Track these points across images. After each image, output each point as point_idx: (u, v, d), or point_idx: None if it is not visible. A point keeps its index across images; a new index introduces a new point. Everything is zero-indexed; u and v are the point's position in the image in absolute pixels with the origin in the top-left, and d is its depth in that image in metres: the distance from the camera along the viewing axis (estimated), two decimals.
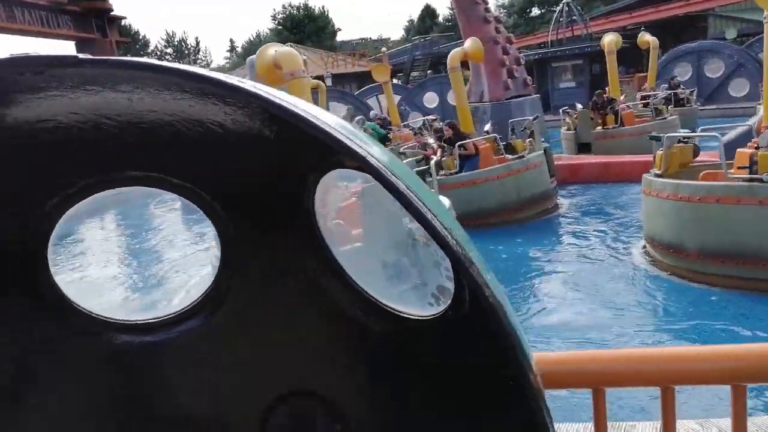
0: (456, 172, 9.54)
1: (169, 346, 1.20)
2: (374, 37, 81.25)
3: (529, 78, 13.04)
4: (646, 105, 14.73)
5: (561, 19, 29.06)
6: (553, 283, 7.10)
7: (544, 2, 44.53)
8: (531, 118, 10.42)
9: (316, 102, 23.19)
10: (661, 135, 7.27)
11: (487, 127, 11.85)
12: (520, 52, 29.84)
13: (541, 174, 9.76)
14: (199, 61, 60.48)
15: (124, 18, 20.94)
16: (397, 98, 24.09)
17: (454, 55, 10.74)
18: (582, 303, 6.38)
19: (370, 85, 25.93)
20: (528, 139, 10.13)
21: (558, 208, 10.38)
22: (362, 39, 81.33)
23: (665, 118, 13.25)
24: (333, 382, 1.23)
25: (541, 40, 32.23)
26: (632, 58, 27.38)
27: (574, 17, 28.69)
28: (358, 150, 0.78)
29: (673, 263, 6.74)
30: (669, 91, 15.62)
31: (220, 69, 60.55)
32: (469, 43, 10.72)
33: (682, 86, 16.96)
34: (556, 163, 11.41)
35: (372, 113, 19.11)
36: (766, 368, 1.26)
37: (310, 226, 1.19)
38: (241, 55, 52.65)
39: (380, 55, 36.00)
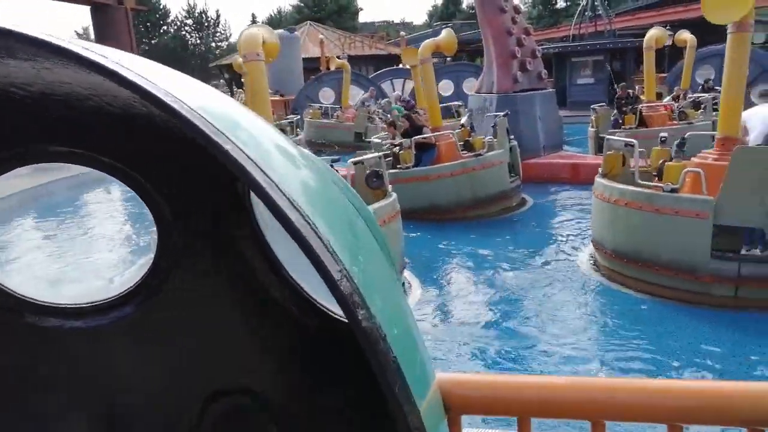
0: (413, 166, 9.39)
1: (101, 333, 1.16)
2: (397, 21, 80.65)
3: (544, 72, 12.75)
4: (697, 107, 13.65)
5: (586, 13, 28.55)
6: (489, 284, 6.91)
7: None
8: (501, 114, 10.12)
9: (340, 83, 23.09)
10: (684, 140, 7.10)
11: (464, 120, 11.70)
12: (540, 45, 29.60)
13: (498, 173, 9.48)
14: (218, 33, 60.35)
15: None
16: (411, 84, 23.91)
17: (425, 46, 10.55)
18: (513, 307, 6.25)
19: (386, 69, 25.70)
20: (487, 137, 9.83)
21: (521, 207, 10.20)
22: (384, 22, 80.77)
23: (691, 123, 12.48)
24: (267, 379, 1.20)
25: (564, 34, 31.74)
26: (657, 57, 26.86)
27: (599, 12, 28.17)
28: (222, 143, 0.69)
29: (607, 265, 6.82)
30: (702, 95, 14.68)
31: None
32: (443, 34, 10.52)
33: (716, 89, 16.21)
34: (558, 161, 11.26)
35: (395, 94, 18.85)
36: (708, 409, 1.18)
37: (248, 219, 1.15)
38: None
39: (398, 39, 35.62)
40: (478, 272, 7.31)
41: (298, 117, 19.20)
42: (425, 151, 9.60)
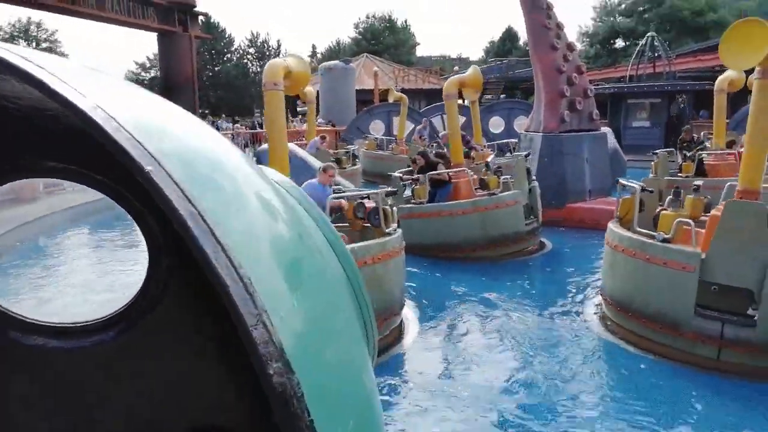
0: (428, 201, 9.36)
1: (83, 355, 1.14)
2: (453, 56, 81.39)
3: (596, 113, 12.49)
4: None
5: (644, 54, 28.04)
6: (489, 331, 6.64)
7: (630, 35, 43.17)
8: (523, 154, 9.92)
9: (390, 116, 23.40)
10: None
11: (490, 158, 11.46)
12: (596, 85, 29.20)
13: (512, 214, 9.20)
14: None
15: (206, 14, 21.81)
16: (462, 119, 23.93)
17: (450, 83, 10.51)
18: (506, 356, 6.01)
19: (436, 104, 25.83)
20: (503, 177, 9.63)
21: (539, 251, 9.89)
22: (441, 56, 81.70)
23: None
24: (245, 418, 1.15)
25: (622, 74, 31.23)
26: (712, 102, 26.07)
27: (659, 53, 27.62)
28: (144, 165, 0.66)
29: (607, 314, 6.58)
30: None
31: None
32: (469, 72, 10.44)
33: None
34: (601, 206, 10.80)
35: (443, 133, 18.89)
36: None
37: None
38: (320, 60, 53.96)
39: (452, 75, 35.94)
40: (480, 316, 7.09)
41: (356, 147, 19.42)
42: (440, 188, 9.59)
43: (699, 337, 5.46)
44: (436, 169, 9.72)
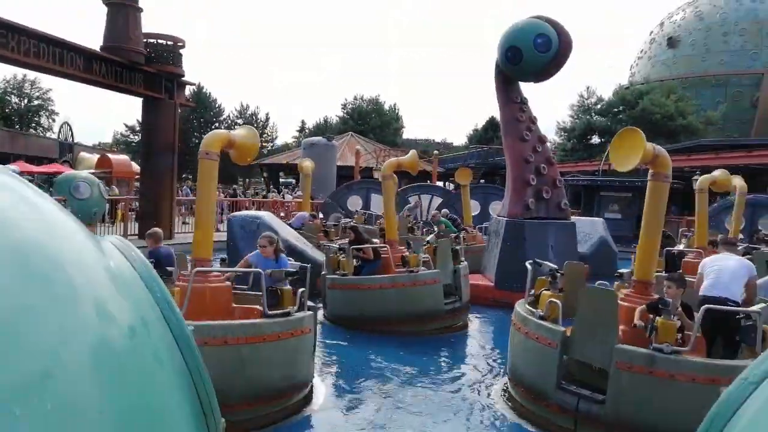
0: (353, 274, 9.69)
1: None
2: (438, 140, 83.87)
3: (565, 202, 12.78)
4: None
5: None
6: (393, 401, 6.75)
7: (605, 132, 45.08)
8: (452, 236, 10.66)
9: (368, 192, 23.79)
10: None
11: (429, 237, 11.86)
12: (572, 176, 30.14)
13: (431, 292, 9.38)
14: (265, 135, 63.59)
15: (194, 84, 22.34)
16: (437, 201, 24.33)
17: (388, 164, 11.06)
18: (408, 426, 6.06)
19: (415, 184, 26.33)
20: (423, 256, 10.00)
21: (462, 329, 10.16)
22: (426, 140, 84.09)
23: None
24: None
25: (597, 168, 32.32)
26: (683, 199, 27.05)
27: None
28: None
29: (509, 391, 6.90)
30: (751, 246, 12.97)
31: (285, 146, 63.51)
32: (408, 155, 10.98)
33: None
34: None
35: (444, 211, 19.23)
36: None
37: None
38: (307, 135, 55.17)
39: (431, 158, 36.88)
40: (388, 387, 7.23)
41: (349, 220, 19.18)
42: (368, 263, 10.00)
43: (560, 408, 5.85)
44: (362, 244, 10.08)
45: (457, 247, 10.83)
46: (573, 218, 14.25)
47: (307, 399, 6.55)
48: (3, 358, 0.62)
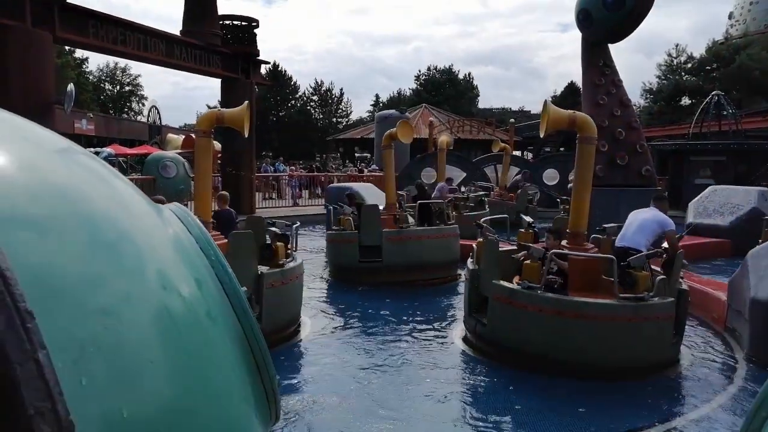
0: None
1: None
2: (515, 108, 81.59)
3: (647, 168, 12.16)
4: None
5: (710, 111, 27.21)
6: (368, 336, 7.90)
7: (696, 92, 42.09)
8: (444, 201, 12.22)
9: (450, 162, 23.57)
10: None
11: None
12: (660, 141, 28.40)
13: (424, 245, 10.65)
14: (340, 110, 64.31)
15: (268, 63, 22.88)
16: (514, 170, 23.76)
17: (386, 136, 11.57)
18: (378, 355, 7.10)
19: (490, 154, 25.82)
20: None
21: (455, 281, 10.91)
22: (502, 108, 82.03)
23: None
24: None
25: (686, 131, 30.32)
26: None
27: (724, 111, 26.73)
28: None
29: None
30: None
31: (360, 120, 64.04)
32: (398, 126, 11.38)
33: None
34: None
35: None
36: None
37: None
38: (381, 109, 55.28)
39: (508, 127, 35.99)
40: (366, 326, 8.37)
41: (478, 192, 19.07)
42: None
43: (469, 331, 7.44)
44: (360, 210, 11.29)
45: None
46: (721, 186, 13.67)
47: (298, 330, 7.96)
48: (72, 319, 0.69)
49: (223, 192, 9.31)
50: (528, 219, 9.20)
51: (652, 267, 6.89)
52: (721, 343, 7.59)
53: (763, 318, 6.74)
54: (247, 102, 8.02)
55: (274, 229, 8.22)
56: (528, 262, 6.74)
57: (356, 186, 14.23)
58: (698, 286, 8.84)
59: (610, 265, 6.33)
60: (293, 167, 29.95)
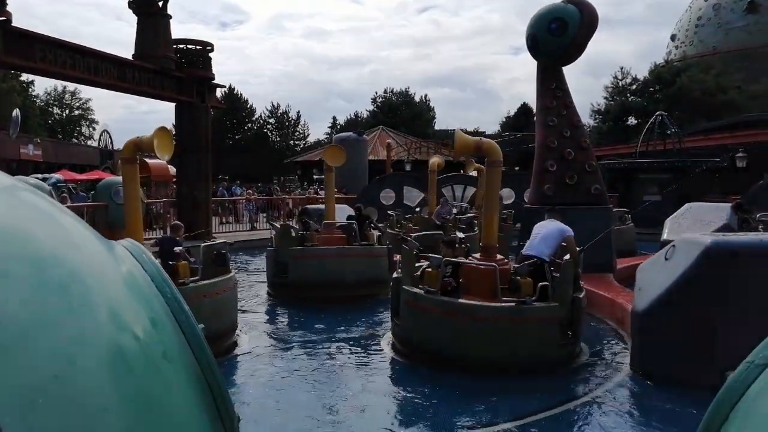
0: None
1: None
2: (470, 129, 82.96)
3: (596, 187, 12.54)
4: None
5: (656, 131, 28.39)
6: (307, 347, 8.48)
7: (641, 113, 43.90)
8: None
9: (401, 185, 23.79)
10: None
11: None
12: (610, 161, 29.40)
13: (374, 263, 11.38)
14: (297, 133, 64.18)
15: (223, 87, 22.72)
16: (471, 190, 24.18)
17: (324, 156, 12.95)
18: (314, 368, 7.55)
19: (448, 174, 26.19)
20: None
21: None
22: (459, 129, 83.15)
23: None
24: None
25: (633, 150, 31.51)
26: (728, 179, 26.19)
27: (668, 131, 27.96)
28: None
29: None
30: None
31: (317, 143, 64.00)
32: (326, 150, 12.53)
33: None
34: None
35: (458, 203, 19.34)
36: None
37: None
38: (338, 131, 55.41)
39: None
40: (304, 338, 8.92)
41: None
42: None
43: (393, 333, 8.29)
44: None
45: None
46: (696, 203, 14.02)
47: (235, 343, 8.41)
48: (22, 364, 0.67)
49: (178, 222, 9.49)
50: (460, 235, 10.18)
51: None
52: (622, 349, 8.19)
53: (639, 330, 7.10)
54: (161, 126, 8.33)
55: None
56: (429, 269, 7.60)
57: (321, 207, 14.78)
58: (608, 295, 10.11)
59: (493, 273, 7.31)
60: (250, 191, 29.61)
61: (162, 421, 0.84)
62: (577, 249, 7.90)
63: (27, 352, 0.67)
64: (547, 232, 7.83)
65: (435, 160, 19.14)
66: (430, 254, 8.25)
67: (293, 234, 11.63)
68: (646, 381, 6.84)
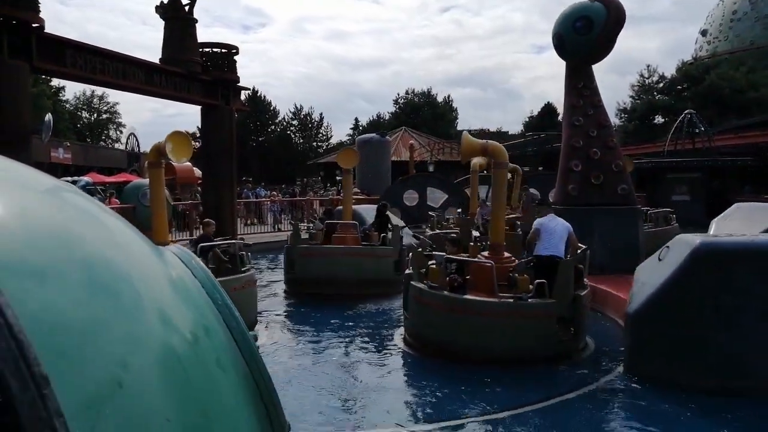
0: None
1: None
2: (493, 129, 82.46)
3: (623, 187, 12.31)
4: None
5: (684, 129, 27.83)
6: (325, 338, 8.94)
7: (669, 111, 43.09)
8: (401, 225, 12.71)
9: (425, 185, 23.69)
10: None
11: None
12: (637, 160, 28.85)
13: (380, 264, 11.74)
14: (320, 135, 64.48)
15: (248, 89, 22.87)
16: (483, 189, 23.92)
17: (338, 159, 13.31)
18: (328, 361, 7.89)
19: (468, 176, 26.00)
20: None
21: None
22: (481, 130, 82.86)
23: None
24: None
25: (661, 149, 30.92)
26: (756, 176, 25.55)
27: (697, 129, 27.38)
28: None
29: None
30: None
31: (340, 144, 64.20)
32: (340, 153, 12.65)
33: None
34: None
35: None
36: None
37: None
38: (361, 132, 55.51)
39: None
40: (321, 332, 9.31)
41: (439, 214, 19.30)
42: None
43: (405, 327, 8.71)
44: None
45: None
46: (745, 203, 13.71)
47: (256, 337, 9.02)
48: (77, 368, 0.66)
49: (209, 219, 10.18)
50: (475, 234, 10.63)
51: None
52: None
53: (631, 330, 7.05)
54: (175, 131, 8.68)
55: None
56: (433, 266, 8.00)
57: (359, 208, 15.18)
58: (622, 295, 9.67)
59: (490, 270, 7.63)
60: (275, 192, 29.83)
61: (216, 430, 0.82)
62: (583, 247, 8.37)
63: (85, 358, 0.65)
64: (561, 230, 8.11)
65: (477, 160, 18.88)
66: (434, 252, 8.75)
67: (304, 232, 12.36)
68: (639, 381, 6.83)
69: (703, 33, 58.70)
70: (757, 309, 6.26)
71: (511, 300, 7.36)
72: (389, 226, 12.61)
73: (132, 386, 0.68)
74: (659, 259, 7.03)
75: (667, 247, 7.11)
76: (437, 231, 14.66)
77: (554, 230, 8.07)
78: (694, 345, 6.40)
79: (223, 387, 0.88)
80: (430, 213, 18.62)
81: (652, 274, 7.00)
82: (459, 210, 20.12)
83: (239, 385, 0.94)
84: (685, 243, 6.81)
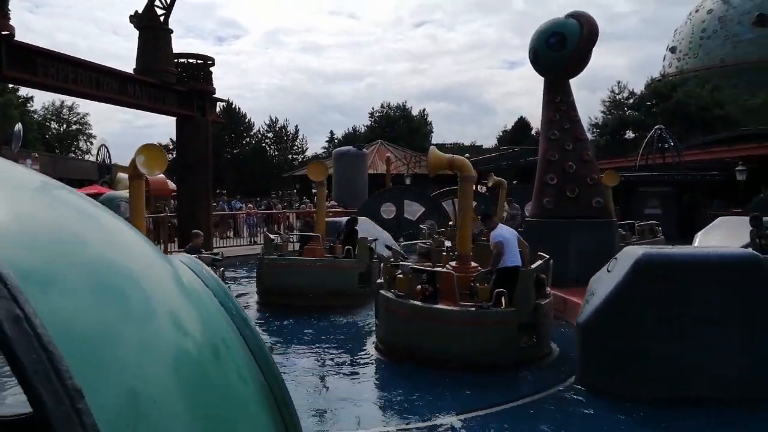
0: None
1: None
2: (467, 143, 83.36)
3: (597, 200, 12.49)
4: None
5: (655, 144, 28.50)
6: (298, 348, 9.18)
7: (639, 126, 44.13)
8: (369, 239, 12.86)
9: (402, 198, 23.75)
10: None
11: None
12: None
13: (345, 275, 11.87)
14: (295, 147, 64.27)
15: (224, 101, 22.73)
16: (474, 204, 24.08)
17: (308, 172, 13.70)
18: (304, 371, 8.07)
19: (447, 188, 26.17)
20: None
21: (365, 306, 11.53)
22: (455, 144, 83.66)
23: None
24: None
25: (632, 164, 31.60)
26: (723, 190, 26.27)
27: (666, 144, 28.06)
28: None
29: None
30: None
31: (315, 156, 64.06)
32: (310, 166, 13.16)
33: None
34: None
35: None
36: None
37: None
38: (336, 146, 55.50)
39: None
40: (293, 342, 9.53)
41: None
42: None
43: (376, 334, 8.95)
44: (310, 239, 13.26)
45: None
46: (728, 217, 13.83)
47: None
48: (94, 375, 0.60)
49: (197, 231, 10.47)
50: (448, 244, 10.92)
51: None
52: None
53: (580, 341, 7.13)
54: (146, 144, 8.69)
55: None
56: (400, 276, 8.40)
57: (342, 220, 15.42)
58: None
59: (451, 279, 7.99)
60: (250, 205, 29.55)
61: None
62: (546, 257, 8.95)
63: (105, 369, 0.59)
64: (515, 240, 8.39)
65: (496, 179, 20.93)
66: (400, 262, 9.14)
67: (274, 245, 12.67)
68: (590, 390, 6.92)
69: (672, 50, 60.20)
70: (698, 319, 6.32)
71: (473, 308, 7.68)
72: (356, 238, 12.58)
73: (148, 394, 0.62)
74: (608, 271, 7.07)
75: (615, 258, 7.18)
76: (414, 242, 14.92)
77: (512, 241, 8.28)
78: (635, 355, 6.46)
79: (244, 398, 0.83)
80: (421, 226, 19.08)
81: (600, 285, 7.07)
82: (431, 222, 20.41)
83: (259, 398, 0.89)
84: (629, 255, 6.88)
